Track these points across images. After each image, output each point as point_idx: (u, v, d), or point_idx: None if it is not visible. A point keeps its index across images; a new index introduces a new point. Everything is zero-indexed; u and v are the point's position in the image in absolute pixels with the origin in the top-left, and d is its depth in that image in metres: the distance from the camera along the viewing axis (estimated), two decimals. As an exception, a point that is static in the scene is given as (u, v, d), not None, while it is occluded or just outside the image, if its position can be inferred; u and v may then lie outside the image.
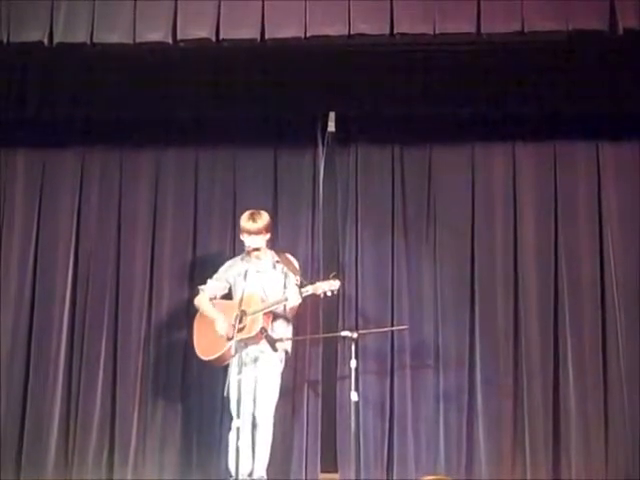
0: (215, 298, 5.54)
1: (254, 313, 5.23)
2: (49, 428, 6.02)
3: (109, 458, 6.00)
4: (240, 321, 5.16)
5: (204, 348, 5.42)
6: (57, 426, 6.03)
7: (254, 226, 5.38)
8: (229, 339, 5.23)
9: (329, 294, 5.28)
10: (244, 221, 5.42)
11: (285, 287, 5.39)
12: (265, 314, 5.27)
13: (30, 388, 6.09)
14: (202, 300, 5.54)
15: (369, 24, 5.11)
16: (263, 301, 5.31)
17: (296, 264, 5.50)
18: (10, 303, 6.19)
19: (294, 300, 5.26)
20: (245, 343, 5.17)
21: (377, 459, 5.90)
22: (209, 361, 5.43)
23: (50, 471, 5.96)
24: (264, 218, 5.42)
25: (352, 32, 5.10)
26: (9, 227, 6.32)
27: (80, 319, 6.19)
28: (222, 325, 5.32)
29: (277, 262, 5.48)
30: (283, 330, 5.40)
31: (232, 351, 5.09)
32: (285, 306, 5.32)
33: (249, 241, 5.39)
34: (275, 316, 5.35)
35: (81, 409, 6.06)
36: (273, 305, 5.30)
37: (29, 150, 6.39)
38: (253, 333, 5.20)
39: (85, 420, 6.04)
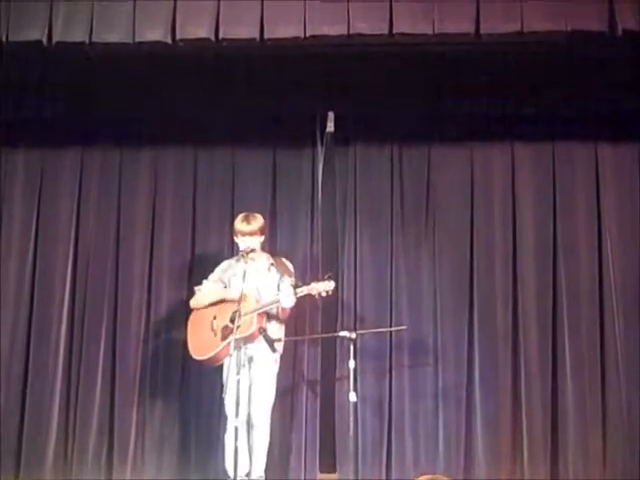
0: None
1: (249, 313, 5.21)
2: (48, 427, 6.03)
3: (108, 457, 6.01)
4: (234, 321, 5.13)
5: (198, 348, 5.41)
6: (56, 425, 6.04)
7: (248, 228, 5.38)
8: (224, 339, 5.25)
9: (324, 295, 5.27)
10: (238, 223, 5.42)
11: (279, 288, 5.37)
12: (259, 314, 5.26)
13: (29, 387, 6.09)
14: (199, 297, 5.53)
15: (368, 24, 5.11)
16: (257, 302, 5.29)
17: (291, 267, 5.49)
18: (9, 302, 6.18)
19: (288, 301, 5.24)
20: (241, 342, 5.15)
21: (376, 459, 5.90)
22: (202, 361, 5.41)
23: (49, 470, 5.97)
24: (258, 220, 5.43)
25: (351, 32, 5.10)
26: (8, 226, 6.31)
27: (79, 318, 6.19)
28: (233, 291, 5.29)
29: (272, 265, 5.47)
30: (276, 331, 5.38)
31: (230, 350, 5.08)
32: (278, 307, 5.31)
33: (243, 243, 5.38)
34: (269, 317, 5.34)
35: (80, 408, 6.06)
36: (267, 305, 5.29)
37: (28, 149, 6.39)
38: (249, 332, 5.19)
39: (84, 419, 6.04)
